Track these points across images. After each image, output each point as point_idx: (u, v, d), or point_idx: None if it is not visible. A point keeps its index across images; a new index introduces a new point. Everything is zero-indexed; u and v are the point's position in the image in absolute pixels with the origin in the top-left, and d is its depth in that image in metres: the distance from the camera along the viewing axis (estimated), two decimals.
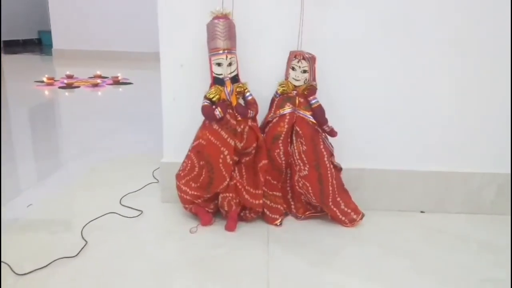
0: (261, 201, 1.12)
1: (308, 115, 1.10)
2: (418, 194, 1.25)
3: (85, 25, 4.99)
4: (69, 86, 3.25)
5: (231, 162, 1.09)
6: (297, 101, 1.11)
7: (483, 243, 1.11)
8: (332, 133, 1.13)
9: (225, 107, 1.07)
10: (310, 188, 1.12)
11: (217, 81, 1.07)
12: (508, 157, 1.22)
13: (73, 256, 0.97)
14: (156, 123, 1.24)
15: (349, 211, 1.15)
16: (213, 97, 1.07)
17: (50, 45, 5.18)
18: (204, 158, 1.10)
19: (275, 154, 1.13)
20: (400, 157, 1.23)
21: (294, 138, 1.12)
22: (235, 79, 1.08)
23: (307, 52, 1.08)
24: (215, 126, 1.08)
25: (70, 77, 3.55)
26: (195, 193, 1.12)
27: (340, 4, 1.11)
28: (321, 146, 1.11)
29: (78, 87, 3.27)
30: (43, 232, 1.09)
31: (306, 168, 1.11)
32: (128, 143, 1.90)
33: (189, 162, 1.14)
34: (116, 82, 3.49)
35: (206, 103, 1.07)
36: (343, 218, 1.14)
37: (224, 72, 1.06)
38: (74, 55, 4.99)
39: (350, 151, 1.20)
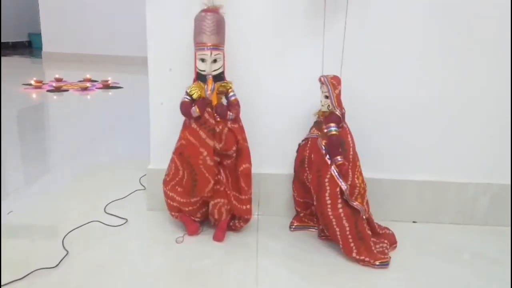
0: (248, 207, 1.08)
1: (322, 143, 1.03)
2: (411, 204, 1.23)
3: (75, 28, 4.93)
4: (57, 90, 3.19)
5: (212, 164, 1.04)
6: (322, 128, 1.05)
7: (476, 254, 1.09)
8: (341, 167, 1.01)
9: (204, 106, 1.02)
10: (319, 221, 1.07)
11: (200, 77, 1.03)
12: (502, 168, 1.21)
13: (53, 267, 0.93)
14: (145, 128, 1.21)
15: (362, 257, 1.01)
16: (193, 94, 1.02)
17: (40, 48, 5.12)
18: (185, 159, 1.06)
19: (304, 177, 1.10)
20: (393, 166, 1.21)
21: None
22: (219, 77, 1.04)
23: (331, 75, 1.03)
24: (194, 125, 1.04)
25: (59, 80, 3.50)
26: (182, 200, 1.08)
27: (354, 15, 1.08)
28: (325, 180, 1.01)
29: (66, 90, 3.22)
30: (23, 240, 1.04)
31: (315, 198, 1.05)
32: (116, 148, 1.86)
33: (173, 165, 1.09)
34: (106, 86, 3.44)
35: (185, 99, 1.03)
36: (356, 260, 1.02)
37: (207, 68, 1.01)
38: (64, 58, 4.93)
39: None
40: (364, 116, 1.17)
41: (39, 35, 5.15)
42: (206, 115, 1.02)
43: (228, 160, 1.08)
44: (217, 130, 1.03)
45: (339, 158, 1.01)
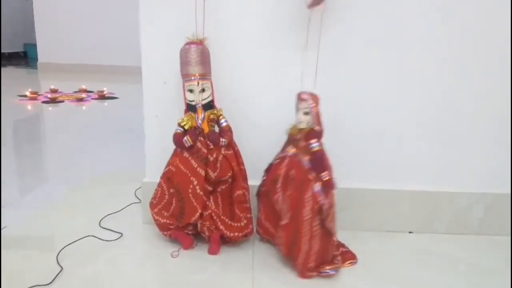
0: (237, 234, 1.07)
1: (304, 160, 1.00)
2: (406, 214, 1.23)
3: (71, 39, 4.94)
4: (53, 101, 3.19)
5: (201, 193, 1.04)
6: (300, 145, 1.02)
7: (471, 264, 1.09)
8: (328, 183, 0.97)
9: (195, 135, 1.04)
10: (283, 239, 1.02)
11: (190, 107, 1.05)
12: (496, 177, 1.21)
13: (47, 284, 0.92)
14: (141, 139, 1.21)
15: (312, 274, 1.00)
16: (185, 125, 1.05)
17: (36, 59, 5.12)
18: (174, 186, 1.07)
19: (274, 199, 1.06)
20: (387, 176, 1.22)
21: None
22: (209, 106, 1.06)
23: (311, 92, 1.00)
24: (186, 154, 1.05)
25: (54, 91, 3.50)
26: (168, 221, 1.09)
27: (335, 25, 1.08)
28: (306, 196, 0.97)
29: (62, 101, 3.21)
30: (15, 256, 1.03)
31: (288, 216, 1.00)
32: (112, 160, 1.85)
33: (160, 189, 1.11)
34: (102, 96, 3.44)
35: (178, 131, 1.06)
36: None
37: (196, 98, 1.04)
38: (59, 69, 4.93)
39: (337, 171, 1.17)
40: (357, 127, 1.18)
41: (34, 45, 5.15)
42: (199, 144, 1.04)
43: (223, 186, 1.08)
44: (211, 158, 1.04)
45: (325, 173, 0.98)
